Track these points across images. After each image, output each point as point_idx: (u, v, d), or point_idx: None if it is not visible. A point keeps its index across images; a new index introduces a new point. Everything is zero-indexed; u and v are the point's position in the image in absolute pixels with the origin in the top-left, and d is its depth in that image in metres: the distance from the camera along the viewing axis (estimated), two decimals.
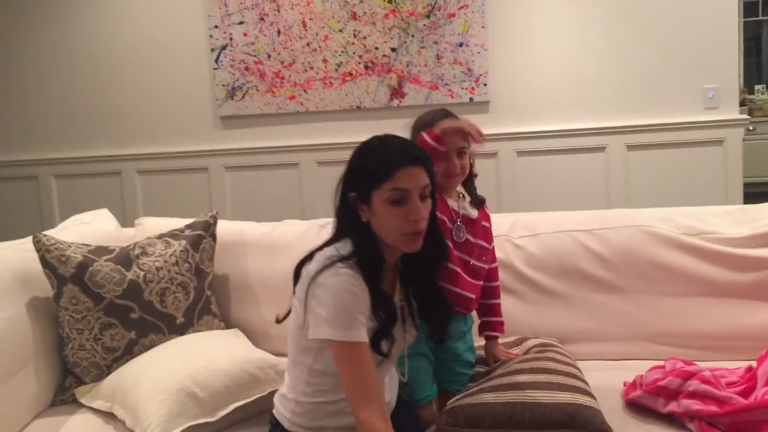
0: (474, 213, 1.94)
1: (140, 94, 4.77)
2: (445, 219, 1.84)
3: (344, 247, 1.57)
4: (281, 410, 1.68)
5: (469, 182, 1.95)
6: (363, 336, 1.49)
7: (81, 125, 4.86)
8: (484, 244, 1.95)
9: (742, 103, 7.79)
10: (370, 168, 1.53)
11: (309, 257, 1.59)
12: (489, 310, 2.01)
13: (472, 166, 1.92)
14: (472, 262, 1.91)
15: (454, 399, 1.77)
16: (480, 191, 2.00)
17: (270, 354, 2.09)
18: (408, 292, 1.69)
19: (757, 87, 8.82)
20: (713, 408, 1.69)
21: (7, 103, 4.92)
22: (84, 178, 4.90)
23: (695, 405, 1.71)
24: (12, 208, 4.99)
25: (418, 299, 1.69)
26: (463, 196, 1.96)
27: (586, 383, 1.82)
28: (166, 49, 4.70)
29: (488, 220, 1.99)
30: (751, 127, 7.97)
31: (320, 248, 1.60)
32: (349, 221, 1.57)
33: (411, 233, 1.52)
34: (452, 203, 1.90)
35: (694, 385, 1.75)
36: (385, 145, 1.56)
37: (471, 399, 1.73)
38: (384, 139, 1.59)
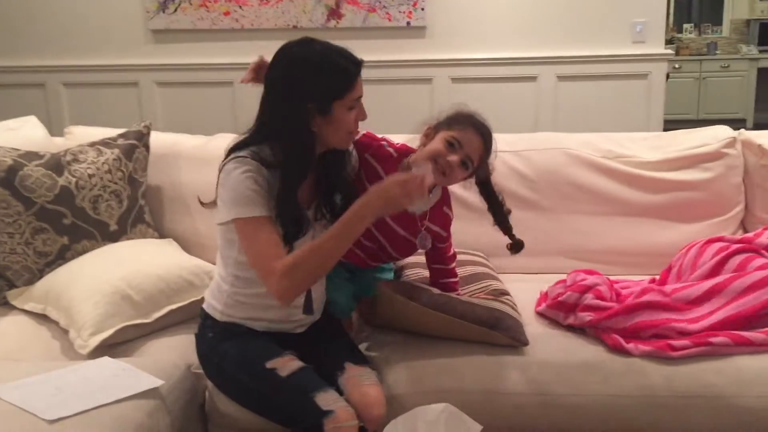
0: (436, 196, 1.88)
1: (67, 3, 4.57)
2: (404, 233, 1.85)
3: (262, 151, 1.62)
4: (213, 303, 1.75)
5: (500, 217, 1.89)
6: (259, 210, 1.57)
7: (3, 34, 4.63)
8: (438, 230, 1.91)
9: (670, 41, 8.04)
10: (330, 80, 1.58)
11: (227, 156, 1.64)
12: (444, 285, 1.96)
13: (503, 205, 1.88)
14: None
15: (402, 280, 1.86)
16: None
17: (205, 262, 2.14)
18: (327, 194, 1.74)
19: (685, 26, 9.06)
20: (600, 315, 1.85)
21: None
22: (5, 88, 4.70)
23: (588, 317, 1.87)
24: None
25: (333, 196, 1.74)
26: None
27: (515, 305, 1.93)
28: None
29: (447, 204, 1.94)
30: (677, 65, 8.28)
31: (236, 148, 1.64)
32: (295, 131, 1.59)
33: (353, 131, 1.67)
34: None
35: (588, 299, 1.90)
36: (330, 53, 1.60)
37: (416, 283, 1.85)
38: (320, 45, 1.62)
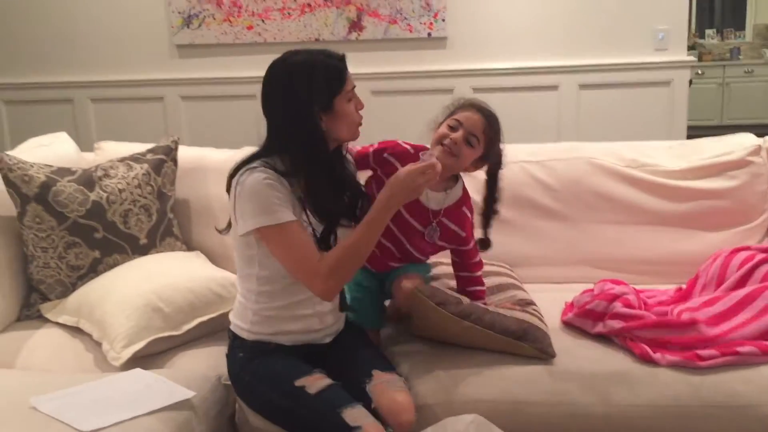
0: (455, 197, 1.93)
1: (94, 19, 4.66)
2: (415, 224, 1.89)
3: (273, 162, 1.67)
4: (239, 323, 1.79)
5: (489, 211, 1.98)
6: (288, 216, 1.62)
7: (32, 50, 4.73)
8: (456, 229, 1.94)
9: (692, 47, 7.99)
10: (324, 80, 1.66)
11: (235, 172, 1.69)
12: (471, 294, 1.99)
13: (496, 202, 1.97)
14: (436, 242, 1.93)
15: (437, 286, 1.87)
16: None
17: (232, 274, 2.17)
18: None
19: (708, 31, 9.00)
20: (630, 324, 1.86)
21: None
22: (35, 104, 4.80)
23: (617, 324, 1.87)
24: None
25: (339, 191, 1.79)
26: (453, 183, 1.93)
27: (542, 316, 1.94)
28: None
29: (467, 205, 1.97)
30: (699, 71, 8.22)
31: (245, 163, 1.69)
32: (307, 134, 1.66)
33: (359, 122, 1.74)
34: (436, 197, 1.89)
35: (617, 307, 1.91)
36: (318, 56, 1.68)
37: (450, 291, 1.87)
38: (305, 53, 1.70)
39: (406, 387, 1.73)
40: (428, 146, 1.90)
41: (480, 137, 1.84)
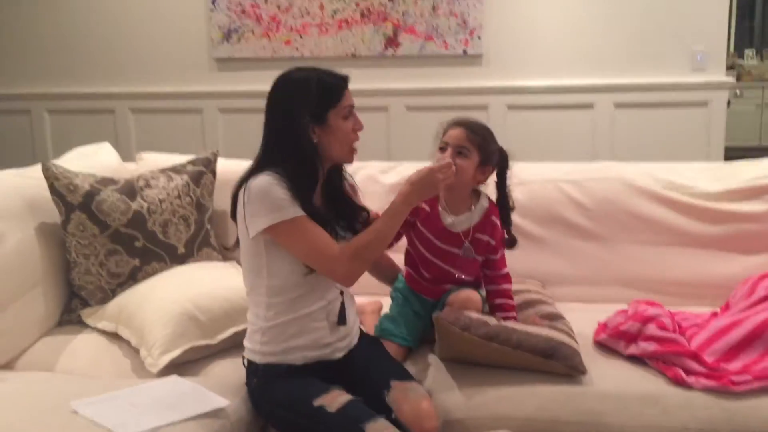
0: (482, 209, 2.02)
1: (137, 33, 4.77)
2: (450, 248, 1.99)
3: (274, 171, 1.70)
4: (250, 347, 1.81)
5: (505, 214, 2.07)
6: (298, 211, 1.67)
7: (76, 61, 4.86)
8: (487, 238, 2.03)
9: (731, 67, 7.89)
10: (321, 93, 1.72)
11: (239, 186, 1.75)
12: (498, 307, 2.05)
13: (509, 199, 2.06)
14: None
15: (460, 311, 1.90)
16: None
17: None
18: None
19: (747, 52, 8.89)
20: (665, 348, 1.85)
21: (1, 36, 4.90)
22: (77, 114, 4.92)
23: (651, 347, 1.87)
24: (4, 140, 5.02)
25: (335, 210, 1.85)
26: (476, 200, 2.03)
27: (573, 332, 1.95)
28: None
29: (496, 214, 2.05)
30: (738, 92, 8.12)
31: (245, 178, 1.74)
32: (298, 145, 1.71)
33: (354, 144, 1.78)
34: (457, 221, 1.99)
35: (651, 329, 1.90)
36: (318, 73, 1.75)
37: (473, 315, 1.88)
38: (308, 69, 1.77)
39: (427, 394, 1.73)
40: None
41: (468, 146, 1.95)
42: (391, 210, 1.74)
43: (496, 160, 2.02)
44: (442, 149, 1.96)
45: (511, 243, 2.09)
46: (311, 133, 1.71)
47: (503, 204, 2.07)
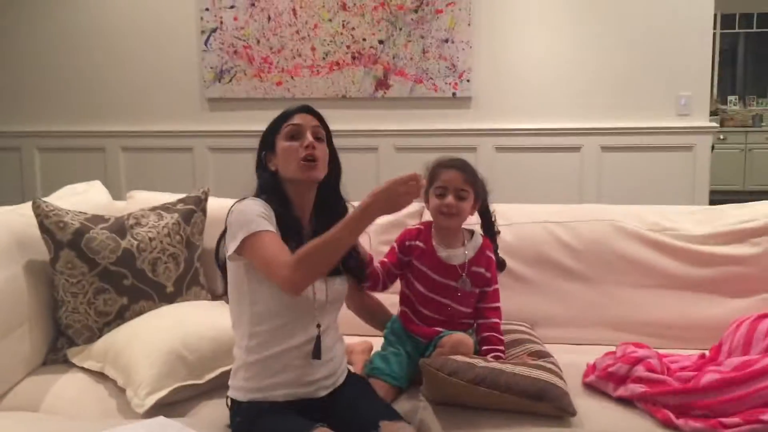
0: (475, 246, 2.10)
1: (129, 72, 4.82)
2: (448, 282, 2.04)
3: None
4: (234, 384, 1.79)
5: (490, 233, 2.16)
6: (266, 226, 1.70)
7: (67, 100, 4.90)
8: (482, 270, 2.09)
9: (714, 113, 8.05)
10: (272, 124, 1.87)
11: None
12: (486, 340, 2.08)
13: (491, 216, 2.16)
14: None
15: (446, 357, 1.90)
16: None
17: None
18: None
19: (730, 98, 9.08)
20: (654, 390, 1.85)
21: None
22: (68, 152, 4.94)
23: (639, 388, 1.87)
24: None
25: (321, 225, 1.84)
26: (470, 236, 2.12)
27: (561, 370, 1.95)
28: (157, 29, 4.76)
29: (490, 248, 2.14)
30: (721, 136, 8.27)
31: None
32: (264, 175, 1.85)
33: (305, 159, 1.79)
34: (454, 254, 2.05)
35: (640, 371, 1.90)
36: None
37: (459, 358, 1.87)
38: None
39: None
40: (431, 221, 2.10)
41: (467, 188, 2.03)
42: (347, 221, 1.63)
43: (483, 193, 2.11)
44: (442, 195, 2.02)
45: (502, 266, 2.16)
46: (267, 162, 1.85)
47: (489, 228, 2.16)
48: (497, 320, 2.09)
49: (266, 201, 1.77)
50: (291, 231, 1.76)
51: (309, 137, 1.81)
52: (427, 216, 2.22)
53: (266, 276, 1.69)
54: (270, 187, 1.82)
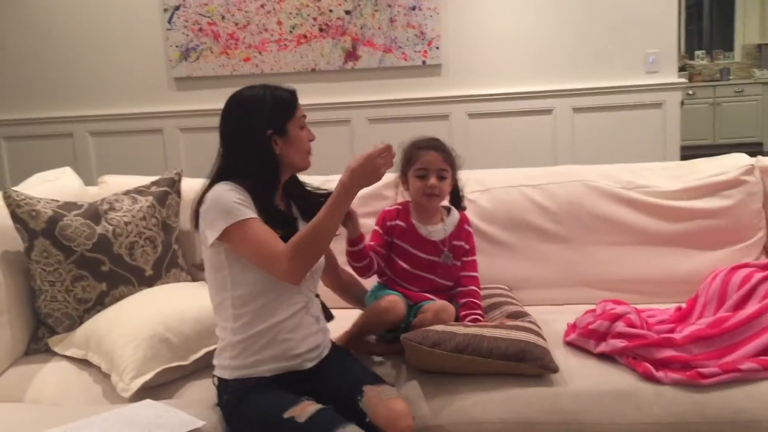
0: (453, 222, 2.14)
1: (92, 55, 4.73)
2: (431, 257, 2.08)
3: (233, 181, 1.76)
4: (220, 363, 1.81)
5: (456, 202, 2.20)
6: (249, 213, 1.70)
7: (32, 87, 4.80)
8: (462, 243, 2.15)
9: (682, 69, 8.10)
10: (279, 107, 1.80)
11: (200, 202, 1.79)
12: (464, 306, 2.11)
13: (460, 191, 2.18)
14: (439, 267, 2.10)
15: (426, 328, 1.91)
16: None
17: None
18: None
19: (697, 53, 9.13)
20: (633, 343, 1.89)
21: None
22: (35, 139, 4.86)
23: (620, 343, 1.90)
24: None
25: (303, 209, 1.91)
26: (447, 212, 2.16)
27: (540, 328, 1.98)
28: (119, 9, 4.66)
29: (468, 222, 2.20)
30: (690, 92, 8.33)
31: (205, 191, 1.78)
32: (262, 157, 1.78)
33: (309, 150, 1.86)
34: (434, 230, 2.10)
35: (619, 326, 1.94)
36: (269, 89, 1.82)
37: (439, 328, 1.89)
38: (259, 87, 1.83)
39: (400, 395, 1.75)
40: (409, 200, 2.14)
41: (446, 167, 2.08)
42: (332, 199, 1.69)
43: (457, 167, 2.14)
44: (424, 176, 2.05)
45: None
46: (274, 144, 1.79)
47: (457, 202, 2.19)
48: (475, 288, 2.14)
49: (253, 185, 1.75)
50: (277, 215, 1.77)
51: (309, 129, 1.87)
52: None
53: (260, 266, 1.71)
54: (271, 170, 1.80)
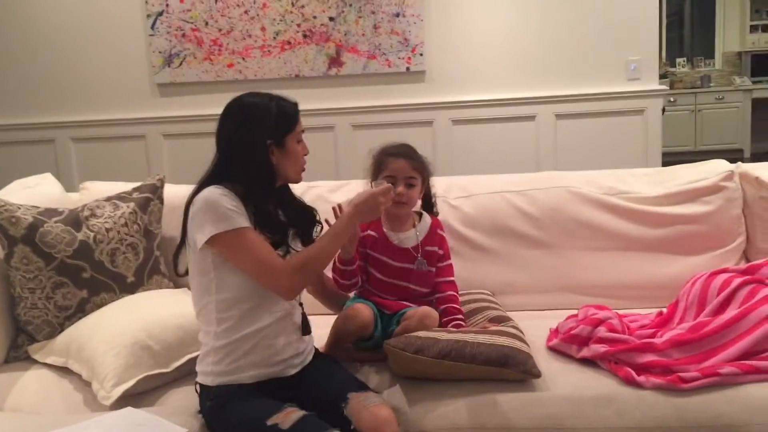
0: (425, 228, 2.15)
1: (74, 61, 4.69)
2: (405, 265, 2.08)
3: (226, 185, 1.76)
4: (202, 370, 1.80)
5: (428, 208, 2.21)
6: (242, 222, 1.71)
7: (13, 92, 4.75)
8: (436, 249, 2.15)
9: (664, 76, 8.18)
10: (282, 119, 1.81)
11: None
12: (445, 312, 2.11)
13: (432, 198, 2.20)
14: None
15: (409, 334, 1.91)
16: None
17: None
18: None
19: (678, 60, 9.22)
20: (615, 347, 1.90)
21: None
22: (16, 145, 4.80)
23: (602, 348, 1.91)
24: None
25: (290, 218, 1.91)
26: (419, 218, 2.17)
27: (522, 333, 1.99)
28: (101, 14, 4.63)
29: (441, 227, 2.20)
30: (672, 99, 8.41)
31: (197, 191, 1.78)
32: (258, 165, 1.78)
33: (303, 166, 1.88)
34: (405, 237, 2.10)
35: (601, 331, 1.95)
36: (274, 99, 1.83)
37: (422, 334, 1.89)
38: (262, 95, 1.84)
39: (385, 401, 1.74)
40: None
41: (414, 175, 2.07)
42: (334, 229, 1.81)
43: (428, 175, 2.13)
44: (391, 184, 1.99)
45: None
46: (271, 154, 1.79)
47: (429, 208, 2.20)
48: (453, 293, 2.14)
49: (246, 191, 1.75)
50: (270, 221, 1.79)
51: (305, 143, 1.89)
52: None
53: (254, 277, 1.72)
54: (268, 179, 1.80)
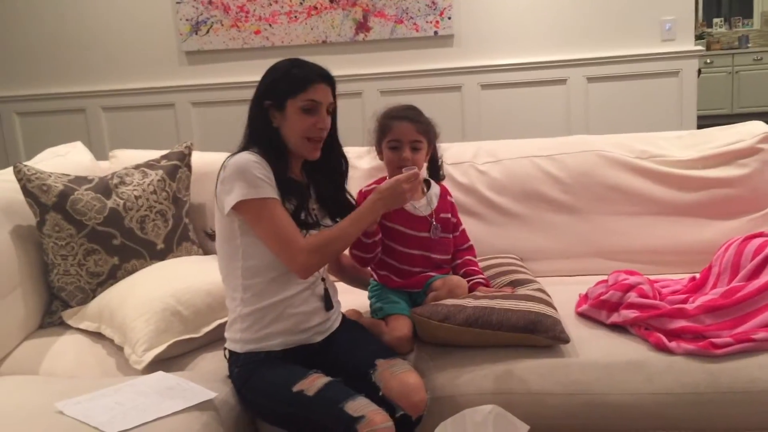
0: (436, 194, 2.09)
1: (104, 31, 4.71)
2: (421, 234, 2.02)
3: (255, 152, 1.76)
4: (230, 337, 1.81)
5: (435, 174, 2.14)
6: (271, 192, 1.70)
7: (44, 62, 4.79)
8: (448, 216, 2.10)
9: (700, 37, 7.96)
10: (288, 81, 1.76)
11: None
12: (466, 273, 2.09)
13: (438, 162, 2.13)
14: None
15: (435, 302, 1.90)
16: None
17: None
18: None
19: (715, 20, 8.97)
20: (645, 313, 1.87)
21: None
22: (48, 115, 4.86)
23: (632, 314, 1.89)
24: None
25: (326, 207, 1.89)
26: (427, 186, 2.10)
27: (550, 297, 1.97)
28: None
29: (449, 194, 2.15)
30: (708, 60, 8.19)
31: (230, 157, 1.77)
32: (261, 126, 1.78)
33: (314, 139, 1.79)
34: (419, 205, 2.04)
35: (632, 297, 1.92)
36: (301, 64, 1.80)
37: (448, 302, 1.88)
38: (297, 60, 1.81)
39: (413, 368, 1.74)
40: (384, 176, 2.06)
41: (420, 138, 1.99)
42: (358, 213, 1.79)
43: (434, 136, 2.06)
44: (396, 148, 1.97)
45: (428, 184, 2.13)
46: (271, 117, 1.77)
47: (435, 173, 2.13)
48: (471, 257, 2.13)
49: (262, 155, 1.74)
50: (290, 190, 1.77)
51: (325, 118, 1.79)
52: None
53: (272, 249, 1.72)
54: (269, 143, 1.78)
